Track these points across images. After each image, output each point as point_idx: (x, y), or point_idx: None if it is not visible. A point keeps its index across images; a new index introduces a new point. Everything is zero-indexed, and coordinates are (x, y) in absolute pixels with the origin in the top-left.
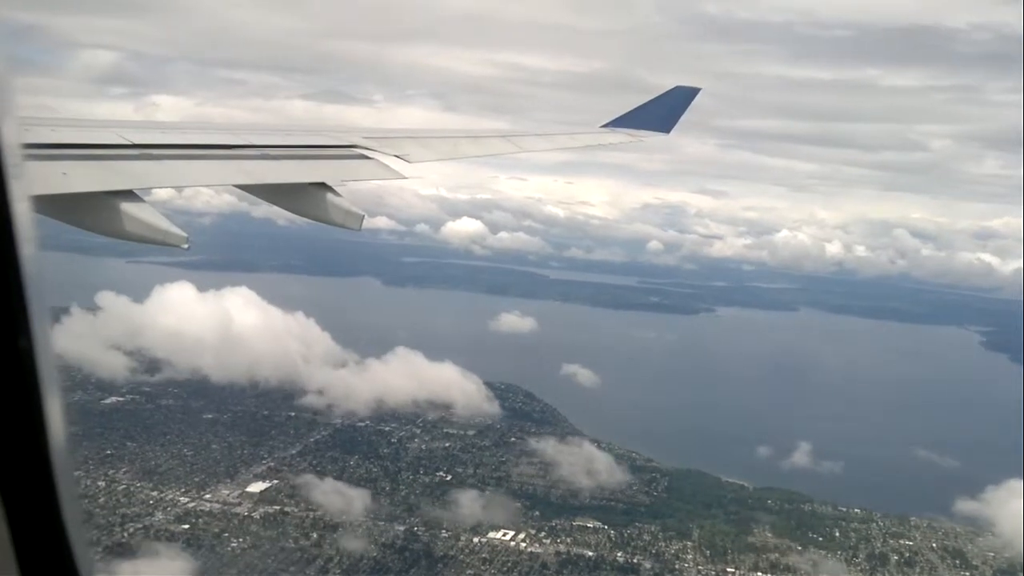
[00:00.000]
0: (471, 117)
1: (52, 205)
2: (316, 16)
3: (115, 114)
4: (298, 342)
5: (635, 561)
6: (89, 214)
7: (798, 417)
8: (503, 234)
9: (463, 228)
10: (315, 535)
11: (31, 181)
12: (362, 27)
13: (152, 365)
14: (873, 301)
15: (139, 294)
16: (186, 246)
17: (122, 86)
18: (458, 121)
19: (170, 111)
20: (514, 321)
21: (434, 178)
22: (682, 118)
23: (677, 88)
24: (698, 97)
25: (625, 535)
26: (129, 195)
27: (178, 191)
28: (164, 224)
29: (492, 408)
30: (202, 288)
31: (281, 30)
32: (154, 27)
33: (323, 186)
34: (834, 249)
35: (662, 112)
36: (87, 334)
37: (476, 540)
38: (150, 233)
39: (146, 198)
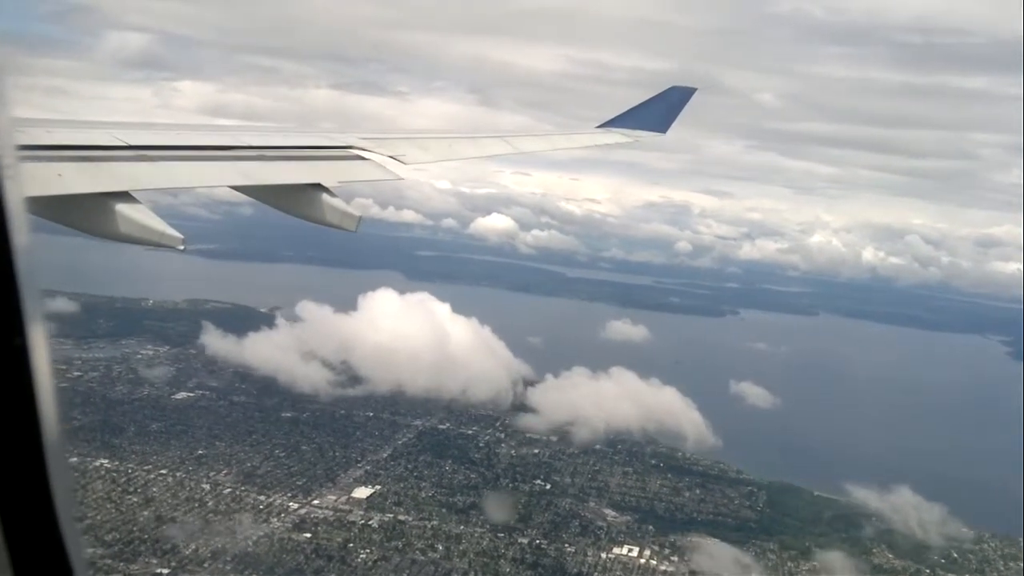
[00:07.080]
0: (497, 111)
1: (47, 207)
2: (391, 4)
3: (132, 98)
4: (488, 354)
5: None
6: (84, 216)
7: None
8: (536, 231)
9: (495, 224)
10: (440, 547)
11: (26, 183)
12: (435, 18)
13: (352, 377)
14: (894, 308)
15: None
16: (182, 247)
17: (149, 69)
18: (480, 115)
19: (191, 97)
20: (626, 329)
21: (436, 171)
22: (726, 118)
23: (673, 88)
24: (764, 97)
25: (748, 553)
26: (124, 196)
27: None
28: (159, 225)
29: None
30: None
31: (348, 17)
32: (211, 10)
33: (319, 187)
34: (868, 255)
35: (658, 112)
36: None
37: (603, 556)
38: (146, 234)
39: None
